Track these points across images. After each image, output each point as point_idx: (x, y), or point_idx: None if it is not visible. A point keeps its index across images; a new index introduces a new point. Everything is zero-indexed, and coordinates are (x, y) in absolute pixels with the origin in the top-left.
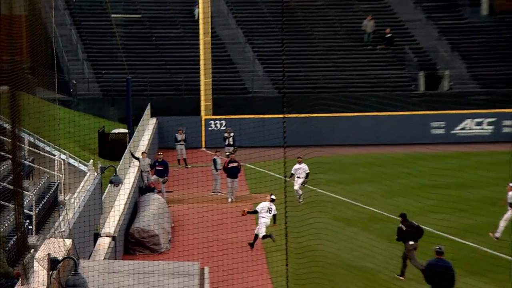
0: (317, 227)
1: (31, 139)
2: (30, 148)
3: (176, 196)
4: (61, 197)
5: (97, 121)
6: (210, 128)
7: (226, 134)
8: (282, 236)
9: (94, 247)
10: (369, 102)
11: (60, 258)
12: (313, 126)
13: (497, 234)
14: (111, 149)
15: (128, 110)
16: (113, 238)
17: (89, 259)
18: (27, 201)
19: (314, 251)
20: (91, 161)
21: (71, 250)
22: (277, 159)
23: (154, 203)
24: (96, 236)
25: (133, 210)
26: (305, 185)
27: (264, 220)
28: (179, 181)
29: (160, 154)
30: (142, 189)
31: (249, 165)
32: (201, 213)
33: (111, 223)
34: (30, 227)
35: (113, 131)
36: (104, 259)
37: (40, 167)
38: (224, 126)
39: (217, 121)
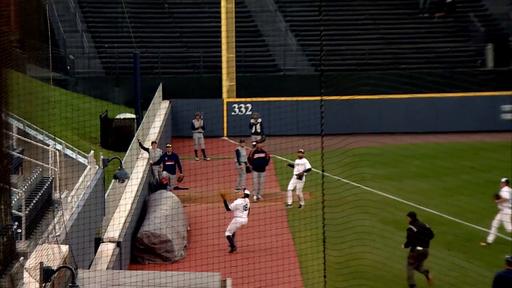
0: (361, 231)
1: (21, 126)
2: (19, 136)
3: (193, 194)
4: (56, 195)
5: (99, 105)
6: (233, 113)
7: (252, 120)
8: (319, 242)
9: (95, 254)
10: (424, 81)
11: (54, 268)
12: (356, 110)
13: (490, 239)
14: (116, 138)
15: (135, 92)
16: (118, 244)
17: (89, 268)
18: (15, 199)
19: (357, 259)
20: (92, 152)
21: (67, 258)
22: (313, 150)
23: (167, 202)
24: (98, 241)
25: (142, 210)
26: (305, 175)
27: (241, 220)
28: (196, 176)
29: (168, 147)
30: (153, 185)
31: (279, 157)
32: (222, 214)
33: (116, 226)
34: (19, 230)
35: (118, 117)
36: (107, 269)
37: (31, 159)
38: (250, 111)
39: (242, 105)
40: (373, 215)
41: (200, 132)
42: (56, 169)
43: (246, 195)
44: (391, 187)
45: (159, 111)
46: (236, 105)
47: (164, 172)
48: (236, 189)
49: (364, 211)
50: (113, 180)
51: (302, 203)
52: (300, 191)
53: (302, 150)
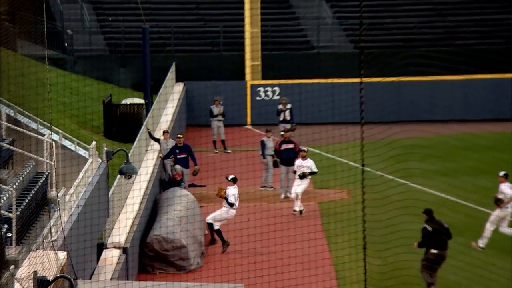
0: (409, 236)
1: (11, 113)
2: (10, 125)
3: (211, 193)
4: (52, 193)
5: (102, 88)
6: (258, 98)
7: (280, 106)
8: (359, 249)
9: (97, 262)
10: (484, 60)
11: (50, 278)
12: (403, 94)
13: (481, 243)
14: (122, 127)
15: (144, 73)
16: (124, 250)
17: (90, 279)
18: (4, 198)
19: (404, 269)
20: (94, 143)
21: (65, 267)
22: (352, 141)
23: (181, 201)
24: (101, 247)
25: (152, 211)
26: (309, 177)
27: (233, 211)
28: (215, 172)
29: (179, 137)
30: (165, 182)
31: (312, 149)
32: (246, 216)
33: (122, 229)
34: (9, 234)
35: (124, 102)
36: (111, 279)
37: (23, 152)
38: (278, 95)
39: (268, 88)
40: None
41: (219, 120)
42: (52, 163)
43: (234, 180)
44: (445, 185)
45: (171, 96)
46: (261, 89)
47: (178, 167)
48: (262, 187)
49: (412, 212)
50: (118, 176)
51: (297, 208)
52: (301, 190)
53: (306, 149)
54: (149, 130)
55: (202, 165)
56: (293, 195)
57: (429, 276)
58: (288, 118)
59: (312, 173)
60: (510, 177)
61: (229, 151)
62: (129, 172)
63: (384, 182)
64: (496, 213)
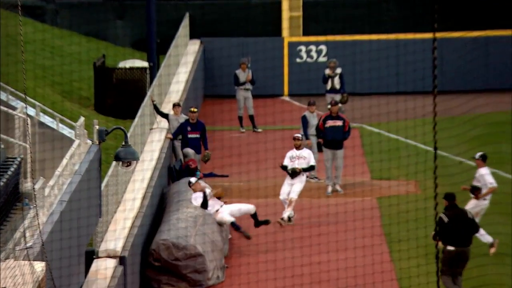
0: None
1: None
2: None
3: (236, 184)
4: (26, 186)
5: (93, 47)
6: (298, 60)
7: (328, 71)
8: (430, 259)
9: (86, 276)
10: None
11: None
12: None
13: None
14: (118, 98)
15: (149, 27)
16: (121, 260)
17: None
18: None
19: (493, 286)
20: (82, 119)
21: (44, 282)
22: (421, 117)
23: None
24: (91, 256)
25: (158, 209)
26: (306, 175)
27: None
28: (241, 157)
29: (193, 111)
30: (175, 171)
31: (368, 128)
32: (280, 214)
33: (118, 233)
34: None
35: (121, 65)
36: None
37: None
38: (324, 56)
39: (312, 47)
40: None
41: (247, 90)
42: (27, 146)
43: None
44: None
45: (184, 57)
46: (303, 48)
47: (189, 150)
48: (312, 178)
49: (502, 211)
50: (114, 163)
51: (286, 214)
52: (296, 195)
53: (300, 136)
54: (155, 103)
55: (224, 148)
56: (281, 197)
57: (451, 281)
58: (337, 86)
59: (308, 170)
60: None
61: (259, 130)
62: (128, 158)
63: (465, 170)
64: (470, 205)
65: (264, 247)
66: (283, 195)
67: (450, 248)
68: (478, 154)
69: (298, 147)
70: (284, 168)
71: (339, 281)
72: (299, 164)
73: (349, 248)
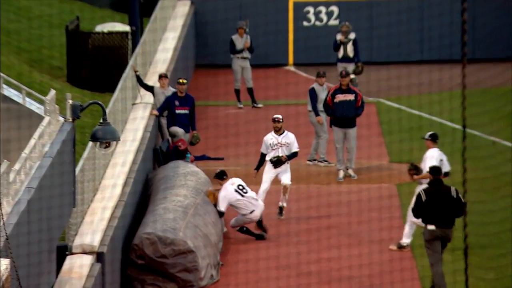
0: None
1: None
2: None
3: (233, 169)
4: None
5: (66, 8)
6: (305, 23)
7: (339, 37)
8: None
9: (57, 275)
10: None
11: None
12: None
13: (407, 241)
14: (95, 68)
15: None
16: (99, 256)
17: None
18: None
19: None
20: (53, 92)
21: (8, 281)
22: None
23: (187, 183)
24: (63, 252)
25: (142, 198)
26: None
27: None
28: (239, 137)
29: (182, 83)
30: (161, 153)
31: (387, 103)
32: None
33: (95, 225)
34: None
35: (98, 29)
36: None
37: None
38: (335, 19)
39: (321, 8)
40: None
41: (245, 58)
42: None
43: (220, 176)
44: None
45: (172, 21)
46: (311, 9)
47: (180, 130)
48: (310, 160)
49: (485, 188)
50: (90, 144)
51: (284, 204)
52: (289, 180)
53: (280, 117)
54: (138, 73)
55: (219, 126)
56: (265, 186)
57: (436, 257)
58: (350, 54)
59: (291, 157)
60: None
61: (259, 105)
62: (107, 138)
63: (499, 152)
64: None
65: (265, 241)
66: (266, 183)
67: (430, 227)
68: (427, 134)
69: (278, 131)
70: (262, 161)
71: (352, 280)
72: (283, 153)
73: (363, 242)
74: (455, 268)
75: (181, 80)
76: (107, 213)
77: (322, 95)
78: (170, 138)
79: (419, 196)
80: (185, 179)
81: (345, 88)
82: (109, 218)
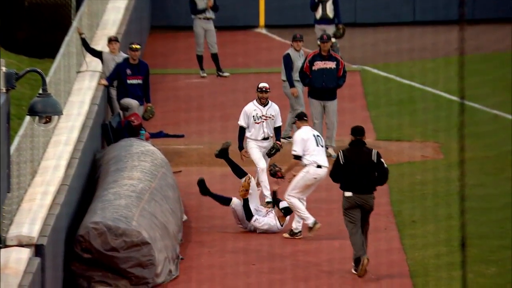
0: None
1: None
2: None
3: (194, 148)
4: None
5: None
6: None
7: None
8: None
9: None
10: None
11: None
12: None
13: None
14: (33, 30)
15: None
16: (38, 249)
17: None
18: None
19: None
20: None
21: None
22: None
23: (141, 164)
24: None
25: (89, 181)
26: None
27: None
28: (204, 111)
29: (134, 48)
30: (111, 129)
31: (374, 71)
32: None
33: (34, 213)
34: None
35: None
36: None
37: None
38: None
39: None
40: None
41: (208, 19)
42: None
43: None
44: None
45: None
46: None
47: (134, 102)
48: (284, 138)
49: (487, 170)
50: (28, 119)
51: (270, 189)
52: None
53: (268, 87)
54: (83, 36)
55: (179, 99)
56: (262, 165)
57: (353, 226)
58: (330, 15)
59: (279, 135)
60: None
61: (225, 74)
62: (47, 112)
63: (502, 127)
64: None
65: (232, 232)
66: (261, 160)
67: (347, 194)
68: (298, 120)
69: (265, 102)
70: (242, 136)
71: (332, 276)
72: (268, 128)
73: (345, 233)
74: (451, 262)
75: (134, 45)
76: (47, 199)
77: (298, 62)
78: (121, 112)
79: (337, 158)
80: (139, 160)
81: (325, 55)
82: (50, 205)
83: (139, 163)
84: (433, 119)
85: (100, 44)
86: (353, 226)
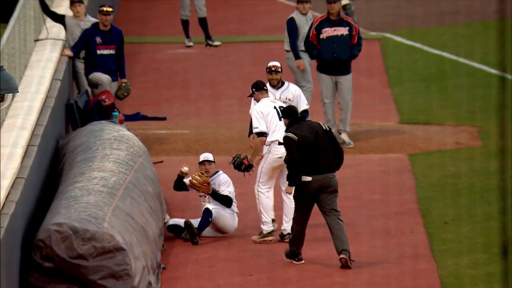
0: None
1: None
2: None
3: (179, 133)
4: None
5: None
6: None
7: None
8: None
9: None
10: None
11: None
12: None
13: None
14: None
15: None
16: None
17: None
18: None
19: None
20: None
21: None
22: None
23: (113, 153)
24: None
25: (51, 174)
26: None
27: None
28: (190, 88)
29: (106, 11)
30: (78, 111)
31: (396, 39)
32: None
33: None
34: None
35: None
36: None
37: None
38: None
39: None
40: None
41: None
42: None
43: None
44: None
45: None
46: None
47: (105, 77)
48: None
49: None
50: None
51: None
52: None
53: (279, 65)
54: None
55: (160, 73)
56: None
57: (300, 217)
58: None
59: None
60: None
61: (216, 43)
62: (1, 90)
63: None
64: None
65: (224, 235)
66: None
67: (307, 178)
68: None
69: (276, 84)
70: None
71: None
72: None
73: (362, 234)
74: (490, 272)
75: (105, 8)
76: (1, 195)
77: (305, 28)
78: (89, 89)
79: (288, 139)
80: (111, 148)
81: (335, 19)
82: (3, 203)
83: (111, 152)
84: (468, 98)
85: (63, 7)
86: (301, 214)
